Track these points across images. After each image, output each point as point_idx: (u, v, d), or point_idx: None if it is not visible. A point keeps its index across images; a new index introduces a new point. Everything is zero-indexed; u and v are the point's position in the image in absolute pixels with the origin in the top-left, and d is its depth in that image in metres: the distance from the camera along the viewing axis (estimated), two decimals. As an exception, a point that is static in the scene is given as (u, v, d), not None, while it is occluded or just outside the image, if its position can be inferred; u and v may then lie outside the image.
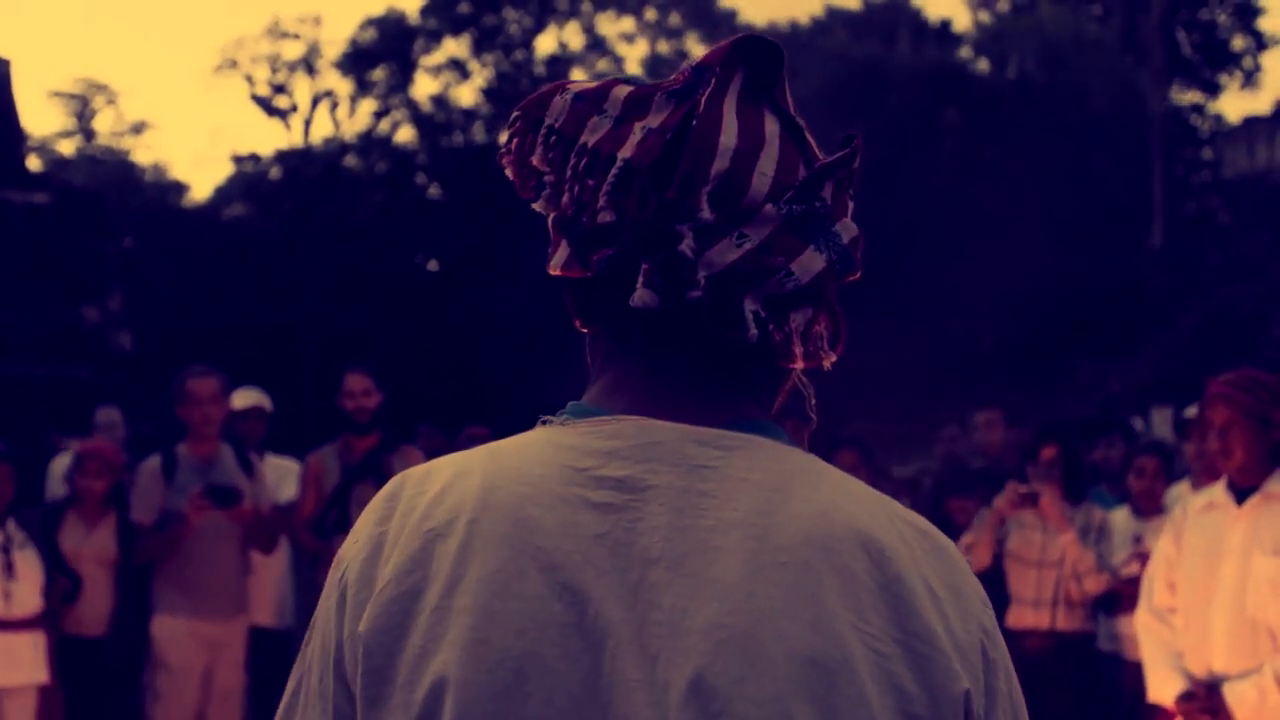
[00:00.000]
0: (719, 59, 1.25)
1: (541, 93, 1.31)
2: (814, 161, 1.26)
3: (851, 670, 1.10)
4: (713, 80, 1.24)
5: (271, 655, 7.24)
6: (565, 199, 1.26)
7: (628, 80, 1.28)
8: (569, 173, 1.26)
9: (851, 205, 1.28)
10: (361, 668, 1.15)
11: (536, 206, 1.31)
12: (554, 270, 1.31)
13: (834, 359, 1.29)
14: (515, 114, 1.32)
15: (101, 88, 37.42)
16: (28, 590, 5.95)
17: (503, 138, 1.34)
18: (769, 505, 1.16)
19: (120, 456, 6.78)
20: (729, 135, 1.21)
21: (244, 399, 7.66)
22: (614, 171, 1.22)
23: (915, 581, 1.15)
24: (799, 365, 1.28)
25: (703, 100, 1.22)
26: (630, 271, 1.22)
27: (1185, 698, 4.29)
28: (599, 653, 1.11)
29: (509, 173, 1.33)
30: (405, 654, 1.14)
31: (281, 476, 7.45)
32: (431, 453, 9.81)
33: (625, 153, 1.22)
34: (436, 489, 1.20)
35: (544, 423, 1.27)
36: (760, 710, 1.08)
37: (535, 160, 1.29)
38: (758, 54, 1.26)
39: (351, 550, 1.22)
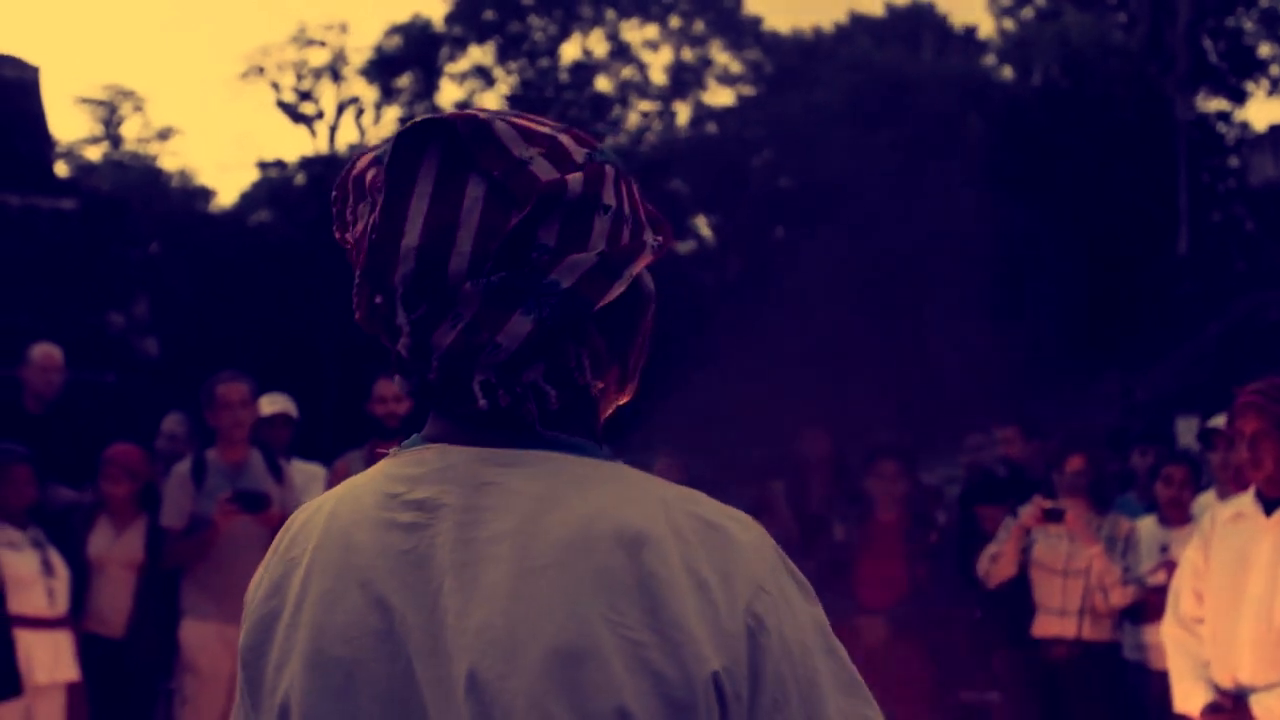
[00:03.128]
0: (403, 144, 1.30)
1: (350, 165, 1.38)
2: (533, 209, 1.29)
3: (602, 659, 1.19)
4: (402, 166, 1.30)
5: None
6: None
7: (379, 160, 1.34)
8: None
9: (607, 226, 1.31)
10: (242, 677, 1.39)
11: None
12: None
13: (614, 385, 1.38)
14: (335, 189, 1.39)
15: (129, 94, 37.68)
16: (61, 588, 6.04)
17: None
18: (536, 514, 1.25)
19: (144, 461, 6.82)
20: (412, 234, 1.27)
21: (271, 405, 7.68)
22: (357, 267, 1.33)
23: (675, 573, 1.22)
24: (609, 395, 1.39)
25: (379, 204, 1.30)
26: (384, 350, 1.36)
27: (1212, 709, 4.27)
28: (407, 656, 1.26)
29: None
30: (269, 666, 1.35)
31: (307, 482, 7.47)
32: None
33: (361, 246, 1.32)
34: (301, 520, 1.40)
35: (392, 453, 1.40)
36: (521, 700, 1.19)
37: (341, 237, 1.39)
38: (453, 124, 1.30)
39: (253, 578, 1.43)
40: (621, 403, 1.43)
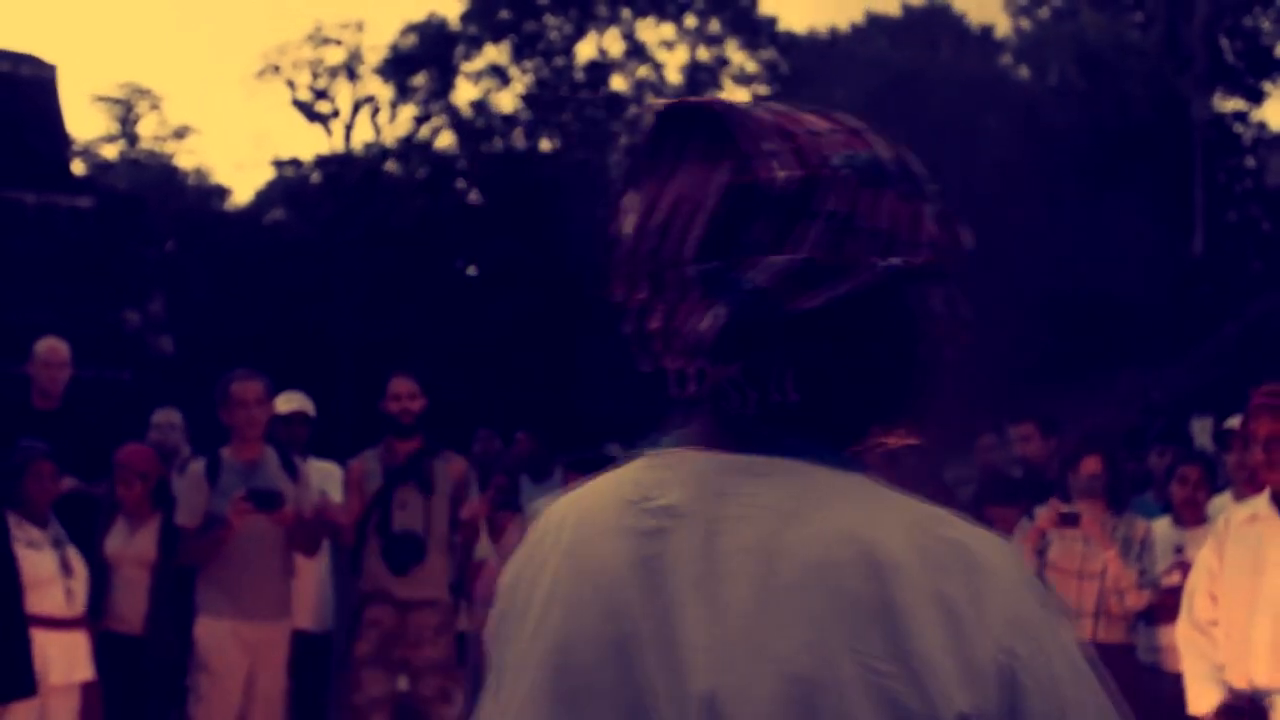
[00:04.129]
0: (663, 125, 1.30)
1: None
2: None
3: (841, 689, 1.14)
4: (652, 152, 1.30)
5: (312, 659, 7.28)
6: None
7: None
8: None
9: (822, 233, 1.24)
10: (489, 658, 1.39)
11: None
12: None
13: (795, 397, 1.27)
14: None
15: (145, 93, 37.75)
16: (80, 588, 6.06)
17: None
18: (778, 529, 1.21)
19: (154, 460, 6.84)
20: (658, 214, 1.27)
21: (288, 403, 7.69)
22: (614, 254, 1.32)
23: (922, 602, 1.15)
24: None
25: (641, 185, 1.30)
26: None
27: (1226, 711, 4.26)
28: (638, 669, 1.22)
29: None
30: (510, 657, 1.34)
31: (323, 480, 7.48)
32: (487, 457, 9.86)
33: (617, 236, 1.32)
34: (554, 520, 1.37)
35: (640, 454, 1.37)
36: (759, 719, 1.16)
37: None
38: (711, 109, 1.28)
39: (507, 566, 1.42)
40: (895, 443, 1.35)
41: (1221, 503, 6.75)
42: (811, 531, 1.20)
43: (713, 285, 1.23)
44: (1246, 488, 6.12)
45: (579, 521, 1.33)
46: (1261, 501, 4.41)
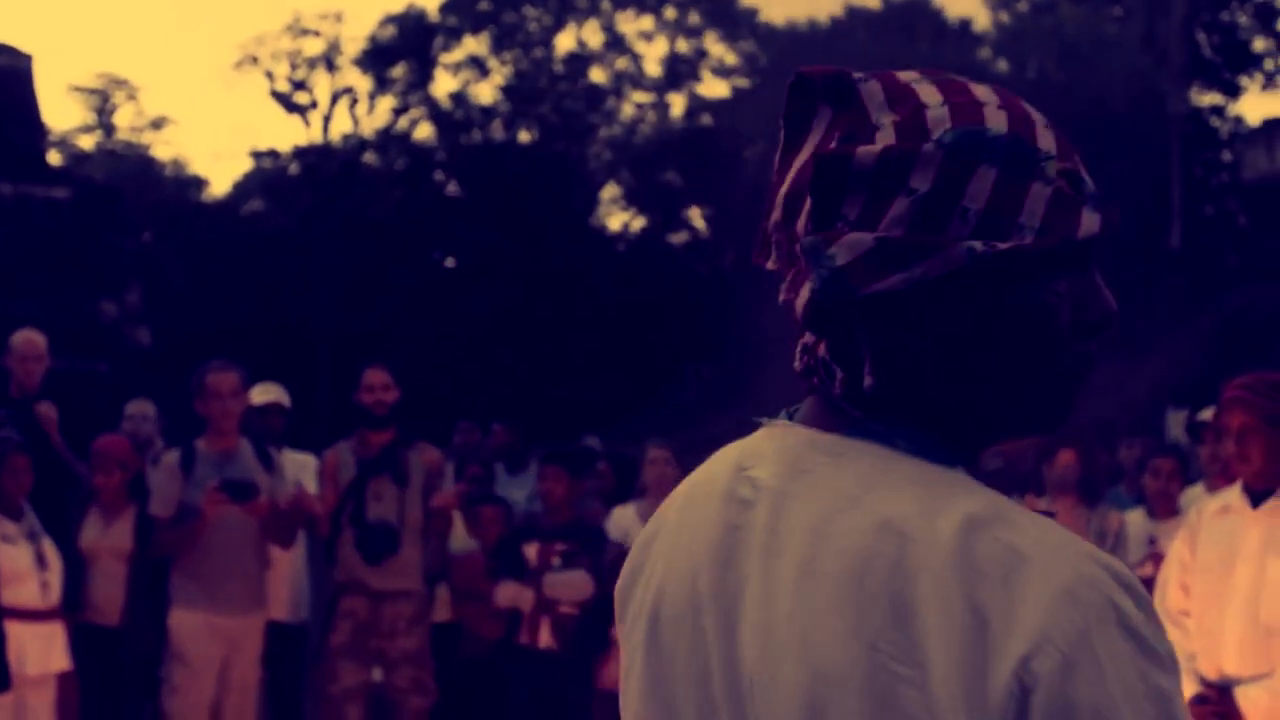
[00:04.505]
0: (791, 97, 1.27)
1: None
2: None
3: (858, 687, 1.10)
4: (794, 119, 1.27)
5: (287, 650, 7.27)
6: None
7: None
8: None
9: (907, 211, 1.17)
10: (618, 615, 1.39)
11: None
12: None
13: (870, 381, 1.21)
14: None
15: (122, 83, 37.50)
16: (55, 580, 6.05)
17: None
18: (833, 512, 1.17)
19: (133, 452, 6.83)
20: (785, 183, 1.26)
21: (263, 394, 7.69)
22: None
23: (946, 605, 1.08)
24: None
25: (784, 149, 1.28)
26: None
27: (1197, 700, 4.28)
28: (704, 635, 1.23)
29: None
30: (629, 615, 1.35)
31: (299, 471, 7.47)
32: (468, 448, 9.85)
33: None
34: (686, 482, 1.37)
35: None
36: (780, 710, 1.15)
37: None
38: (833, 78, 1.25)
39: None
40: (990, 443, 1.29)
41: (1194, 495, 6.78)
42: (858, 519, 1.15)
43: (810, 259, 1.19)
44: (1219, 480, 6.15)
45: (695, 481, 1.34)
46: (1233, 493, 4.42)
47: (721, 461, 1.32)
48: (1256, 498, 4.31)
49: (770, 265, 1.29)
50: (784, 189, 1.24)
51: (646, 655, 1.29)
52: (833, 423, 1.24)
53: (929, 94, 1.21)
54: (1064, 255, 1.20)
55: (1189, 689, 4.35)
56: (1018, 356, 1.21)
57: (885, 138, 1.19)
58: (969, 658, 1.06)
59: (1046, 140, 1.22)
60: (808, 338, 1.25)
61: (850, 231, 1.17)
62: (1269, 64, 34.60)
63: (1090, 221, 1.22)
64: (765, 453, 1.27)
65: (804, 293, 1.20)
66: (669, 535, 1.32)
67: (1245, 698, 4.17)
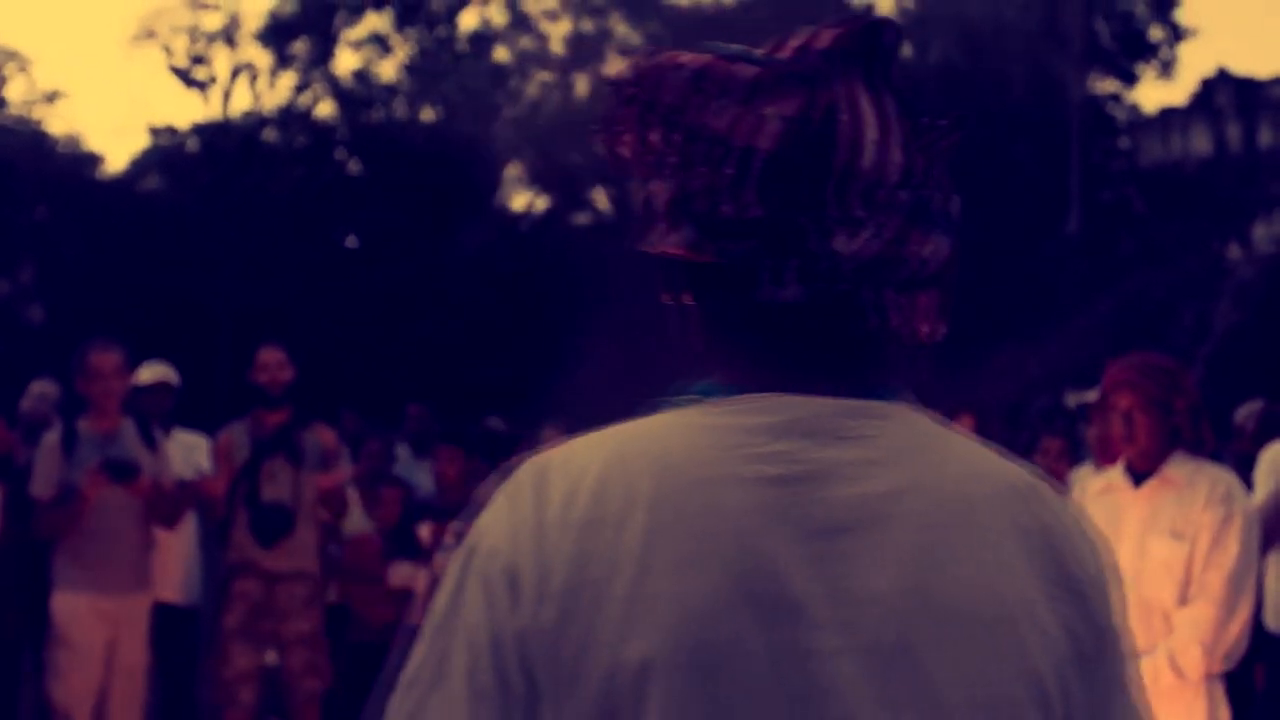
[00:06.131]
0: (846, 43, 1.25)
1: (653, 65, 1.27)
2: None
3: (1034, 618, 1.18)
4: (845, 67, 1.24)
5: (179, 632, 7.17)
6: (693, 183, 1.24)
7: (738, 56, 1.25)
8: (695, 157, 1.23)
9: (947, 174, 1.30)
10: (546, 656, 1.15)
11: (650, 186, 1.29)
12: (664, 249, 1.29)
13: (943, 330, 1.31)
14: (629, 88, 1.27)
15: (13, 55, 36.67)
16: None
17: (604, 111, 1.30)
18: (930, 468, 1.22)
19: (3, 431, 6.70)
20: (872, 129, 1.22)
21: (150, 373, 7.58)
22: (757, 164, 1.20)
23: (1067, 523, 1.25)
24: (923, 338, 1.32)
25: (842, 91, 1.23)
26: (757, 260, 1.23)
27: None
28: (794, 626, 1.14)
29: (620, 149, 1.30)
30: (598, 642, 1.14)
31: (188, 451, 7.37)
32: (352, 437, 9.76)
33: (763, 143, 1.21)
34: (594, 476, 1.20)
35: (663, 404, 1.28)
36: (955, 670, 1.15)
37: (655, 139, 1.26)
38: (881, 33, 1.26)
39: (504, 540, 1.19)
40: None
41: (1083, 474, 6.88)
42: (957, 470, 1.23)
43: (931, 213, 1.23)
44: (1103, 459, 6.24)
45: (664, 472, 1.18)
46: (1116, 473, 4.49)
47: (682, 453, 1.20)
48: (1138, 478, 4.37)
49: (843, 215, 1.21)
50: (869, 134, 1.22)
51: (688, 675, 1.13)
52: (833, 386, 1.24)
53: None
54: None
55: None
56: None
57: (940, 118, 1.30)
58: (1094, 557, 1.26)
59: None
60: (892, 292, 1.25)
61: (950, 190, 1.27)
62: (1165, 52, 35.18)
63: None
64: (772, 426, 1.21)
65: (938, 244, 1.23)
66: (653, 545, 1.15)
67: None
